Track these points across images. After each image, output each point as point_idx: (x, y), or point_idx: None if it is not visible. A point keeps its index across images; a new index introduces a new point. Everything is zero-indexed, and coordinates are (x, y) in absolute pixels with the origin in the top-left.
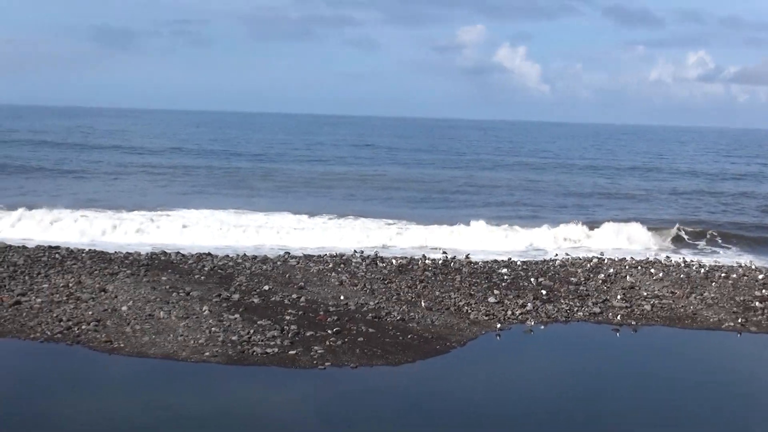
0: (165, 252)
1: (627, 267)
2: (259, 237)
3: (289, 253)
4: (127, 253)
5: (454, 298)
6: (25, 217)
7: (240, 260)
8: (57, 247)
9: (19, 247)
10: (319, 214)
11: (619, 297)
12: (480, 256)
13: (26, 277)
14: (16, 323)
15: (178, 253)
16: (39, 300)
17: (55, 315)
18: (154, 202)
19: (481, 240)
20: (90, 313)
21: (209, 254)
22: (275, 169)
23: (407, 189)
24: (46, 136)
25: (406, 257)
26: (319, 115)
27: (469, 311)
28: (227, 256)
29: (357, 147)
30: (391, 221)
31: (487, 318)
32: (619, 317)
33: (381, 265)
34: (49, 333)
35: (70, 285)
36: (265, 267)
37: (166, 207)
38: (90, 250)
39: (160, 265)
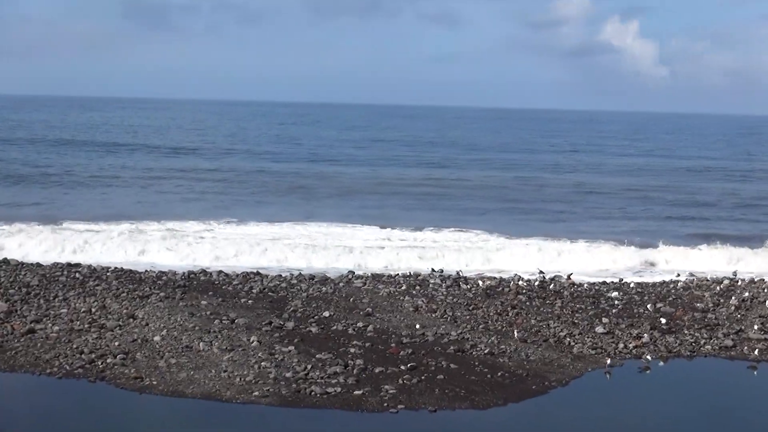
0: (205, 271)
1: (766, 290)
2: (318, 255)
3: (353, 273)
4: (160, 272)
5: (554, 328)
6: (47, 232)
7: (295, 281)
8: (77, 265)
9: (32, 264)
10: (390, 226)
11: (756, 327)
12: (584, 277)
13: (41, 301)
14: (29, 355)
15: (221, 272)
16: (56, 328)
17: (75, 346)
18: (188, 213)
19: (587, 257)
20: (116, 343)
21: (258, 273)
22: (339, 174)
23: (493, 198)
24: (72, 133)
25: (494, 277)
26: (392, 105)
27: (572, 343)
28: (279, 276)
29: (435, 145)
30: (481, 234)
31: (594, 352)
32: (756, 352)
33: (465, 287)
34: (68, 367)
35: (93, 310)
36: (324, 289)
37: (202, 218)
38: (116, 268)
39: (200, 287)
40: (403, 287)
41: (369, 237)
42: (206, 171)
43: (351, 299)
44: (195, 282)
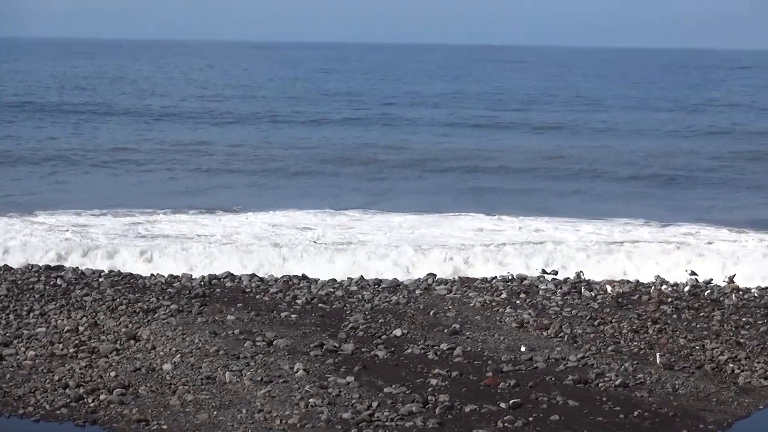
0: (232, 275)
1: None
2: (401, 256)
3: (434, 276)
4: (171, 277)
5: (712, 350)
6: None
7: (354, 287)
8: (59, 268)
9: None
10: (490, 213)
11: None
12: (756, 281)
13: (11, 317)
14: None
15: (253, 276)
16: (31, 353)
17: (57, 378)
18: (212, 199)
19: (759, 254)
20: (113, 374)
21: (304, 278)
22: (420, 141)
23: (635, 174)
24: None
25: (628, 281)
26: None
27: (737, 371)
28: (333, 281)
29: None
30: (624, 224)
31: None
32: None
33: (587, 294)
34: (48, 406)
35: (81, 329)
36: (395, 299)
37: (229, 204)
38: (111, 272)
39: (225, 297)
40: (503, 295)
41: (464, 227)
42: (239, 141)
43: (431, 312)
44: (218, 290)
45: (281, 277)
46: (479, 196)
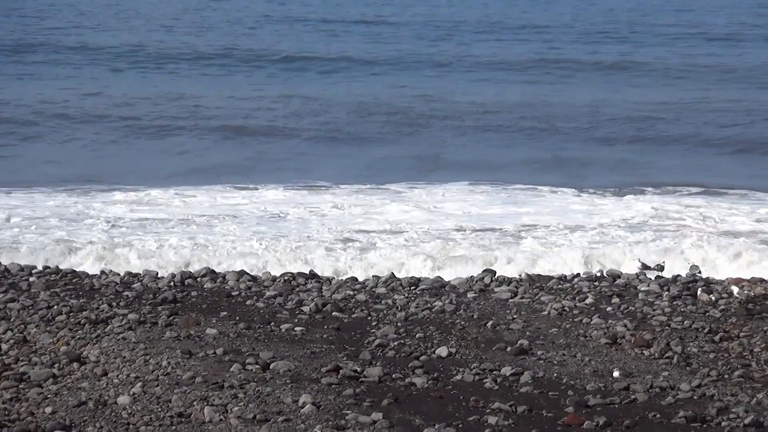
0: (213, 272)
1: None
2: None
3: (493, 274)
4: (129, 275)
5: None
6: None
7: (382, 289)
8: None
9: None
10: (578, 187)
11: None
12: None
13: None
14: None
15: (242, 273)
16: None
17: None
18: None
19: None
20: (49, 410)
21: (313, 275)
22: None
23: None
24: None
25: (762, 280)
26: None
27: None
28: (354, 280)
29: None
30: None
31: None
32: None
33: (705, 298)
34: None
35: (5, 347)
36: (439, 304)
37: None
38: (47, 268)
39: (204, 302)
40: (588, 299)
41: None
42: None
43: (489, 323)
44: (194, 293)
45: (281, 276)
46: (559, 164)
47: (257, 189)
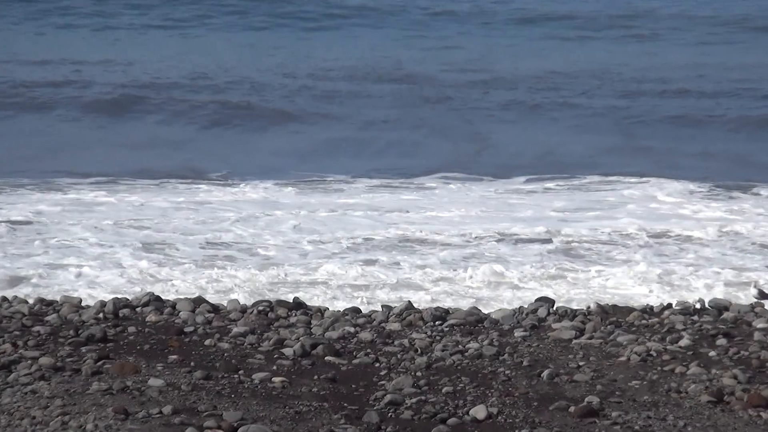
0: (160, 301)
1: None
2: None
3: (550, 305)
4: (42, 302)
5: None
6: None
7: (395, 324)
8: None
9: None
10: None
11: None
12: None
13: None
14: None
15: (201, 302)
16: None
17: None
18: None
19: None
20: None
21: (299, 305)
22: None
23: None
24: None
25: None
26: None
27: None
28: (355, 311)
29: None
30: None
31: None
32: None
33: None
34: None
35: None
36: (473, 346)
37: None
38: None
39: (146, 342)
40: (683, 339)
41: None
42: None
43: (545, 373)
44: (132, 329)
45: (254, 306)
46: (641, 152)
47: (229, 185)
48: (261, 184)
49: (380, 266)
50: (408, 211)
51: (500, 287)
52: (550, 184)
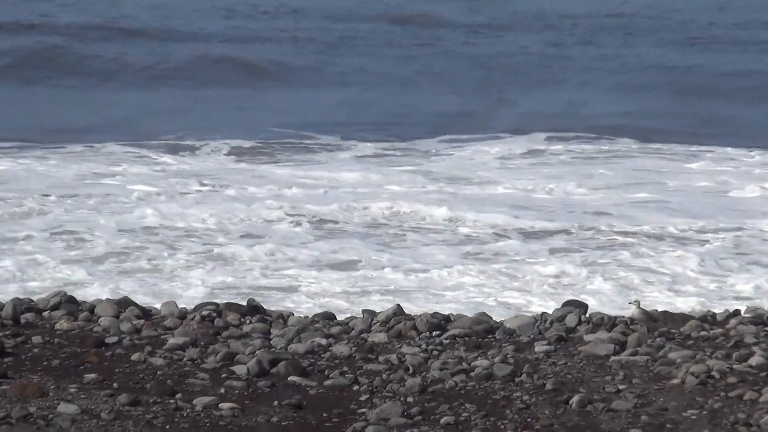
0: (74, 302)
1: None
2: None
3: (582, 310)
4: None
5: None
6: None
7: (380, 334)
8: None
9: None
10: None
11: None
12: None
13: None
14: None
15: (126, 304)
16: None
17: None
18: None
19: None
20: None
21: (256, 310)
22: None
23: None
24: None
25: None
26: None
27: None
28: (328, 317)
29: None
30: None
31: None
32: None
33: None
34: None
35: None
36: (483, 365)
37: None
38: None
39: (52, 356)
40: (756, 358)
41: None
42: None
43: (573, 399)
44: (35, 339)
45: (196, 310)
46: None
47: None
48: (218, 147)
49: (359, 257)
50: (399, 187)
51: (516, 287)
52: (579, 148)
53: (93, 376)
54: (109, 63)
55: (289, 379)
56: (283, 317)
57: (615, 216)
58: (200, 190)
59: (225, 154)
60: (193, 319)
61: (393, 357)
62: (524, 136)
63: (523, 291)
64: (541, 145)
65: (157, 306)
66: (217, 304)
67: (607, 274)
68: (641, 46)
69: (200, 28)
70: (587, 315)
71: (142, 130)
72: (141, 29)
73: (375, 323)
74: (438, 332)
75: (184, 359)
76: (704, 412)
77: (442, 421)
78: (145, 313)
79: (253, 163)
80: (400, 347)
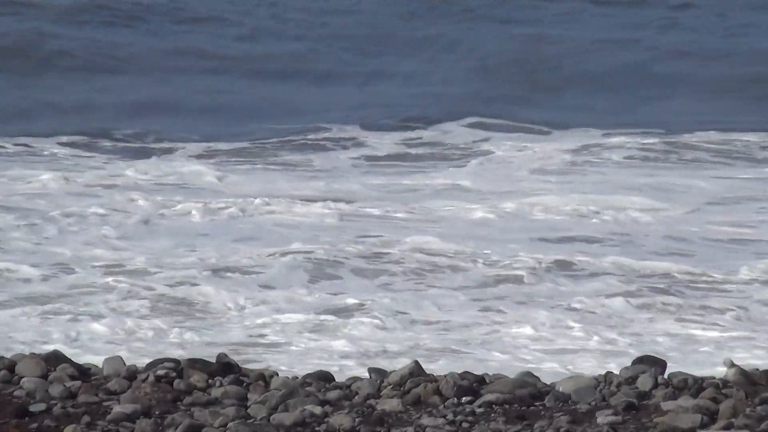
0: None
1: None
2: None
3: (659, 365)
4: None
5: None
6: None
7: (393, 401)
8: None
9: None
10: None
11: None
12: None
13: None
14: None
15: (57, 360)
16: None
17: None
18: None
19: None
20: None
21: (225, 365)
22: None
23: None
24: None
25: None
26: None
27: None
28: (324, 378)
29: None
30: None
31: None
32: None
33: None
34: None
35: None
36: None
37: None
38: None
39: None
40: None
41: None
42: None
43: None
44: None
45: (150, 368)
46: None
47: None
48: (183, 151)
49: (363, 298)
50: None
51: (571, 336)
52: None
53: None
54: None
55: None
56: (264, 378)
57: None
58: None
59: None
60: (145, 379)
61: (410, 431)
62: None
63: (579, 343)
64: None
65: (98, 363)
66: (177, 361)
67: (689, 322)
68: None
69: None
70: (666, 375)
71: None
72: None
73: (386, 386)
74: (469, 398)
75: None
76: None
77: None
78: (82, 372)
79: None
80: (419, 418)
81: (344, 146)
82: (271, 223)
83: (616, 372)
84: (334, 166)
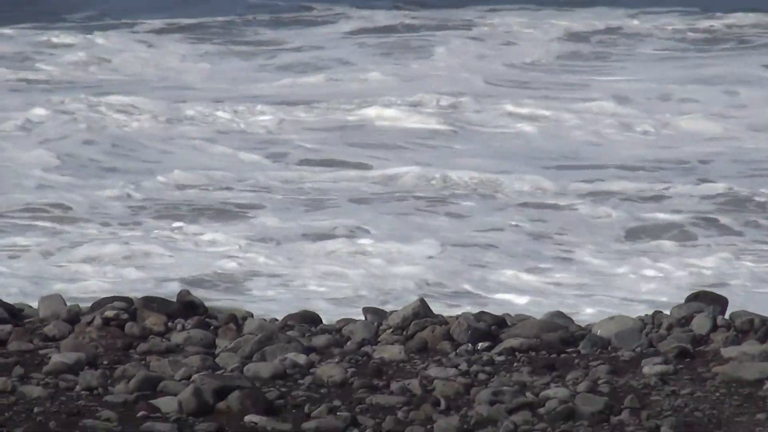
0: None
1: None
2: None
3: (719, 302)
4: None
5: None
6: None
7: (391, 340)
8: None
9: None
10: None
11: None
12: None
13: None
14: None
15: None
16: None
17: None
18: None
19: None
20: None
21: (189, 304)
22: None
23: None
24: None
25: None
26: None
27: None
28: (308, 317)
29: None
30: None
31: None
32: None
33: None
34: None
35: None
36: (558, 393)
37: None
38: None
39: None
40: None
41: None
42: None
43: None
44: None
45: (95, 309)
46: None
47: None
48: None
49: (353, 228)
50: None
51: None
52: None
53: None
54: None
55: (245, 419)
56: (237, 320)
57: None
58: None
59: None
60: (90, 323)
61: (414, 384)
62: None
63: (620, 281)
64: None
65: (33, 304)
66: (129, 300)
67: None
68: None
69: None
70: (726, 316)
71: None
72: None
73: (385, 329)
74: (486, 344)
75: (77, 388)
76: None
77: None
78: (13, 314)
79: None
80: (426, 368)
81: None
82: None
83: (667, 312)
84: None
